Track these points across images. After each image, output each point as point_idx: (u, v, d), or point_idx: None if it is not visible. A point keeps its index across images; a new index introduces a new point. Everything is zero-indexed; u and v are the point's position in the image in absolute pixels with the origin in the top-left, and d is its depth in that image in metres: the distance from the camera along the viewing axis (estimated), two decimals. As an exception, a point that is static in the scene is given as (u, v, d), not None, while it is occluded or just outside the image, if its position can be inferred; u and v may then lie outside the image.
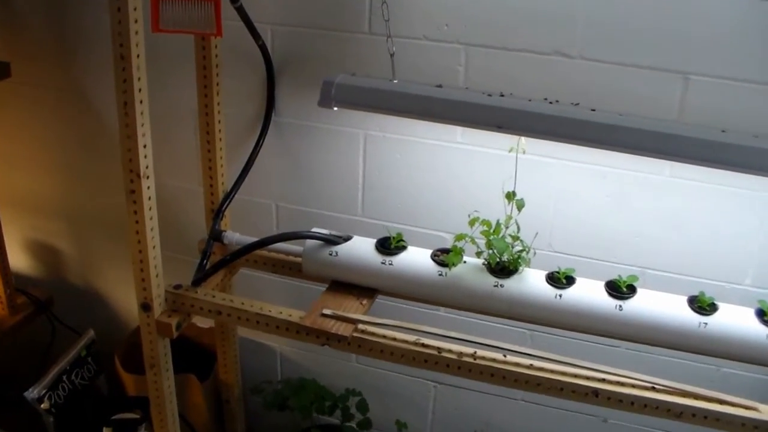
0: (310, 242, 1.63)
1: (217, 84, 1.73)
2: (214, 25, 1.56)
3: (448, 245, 1.87)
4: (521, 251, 1.55)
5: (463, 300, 1.57)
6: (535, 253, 1.55)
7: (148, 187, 1.52)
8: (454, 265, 1.52)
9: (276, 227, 2.06)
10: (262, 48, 1.76)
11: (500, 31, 1.62)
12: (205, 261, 1.76)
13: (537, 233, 1.56)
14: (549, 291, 1.53)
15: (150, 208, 1.54)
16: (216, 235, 1.80)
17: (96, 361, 2.21)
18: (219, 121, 1.77)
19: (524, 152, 1.49)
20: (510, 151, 1.48)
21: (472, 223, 1.52)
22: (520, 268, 1.55)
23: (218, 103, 1.76)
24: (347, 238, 1.65)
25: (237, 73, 1.86)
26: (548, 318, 1.54)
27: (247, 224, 2.05)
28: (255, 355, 2.30)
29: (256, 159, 1.88)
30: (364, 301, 1.60)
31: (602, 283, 1.54)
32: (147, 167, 1.51)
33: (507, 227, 1.55)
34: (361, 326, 1.53)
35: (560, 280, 1.54)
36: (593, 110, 1.42)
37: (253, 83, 1.88)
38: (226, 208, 1.83)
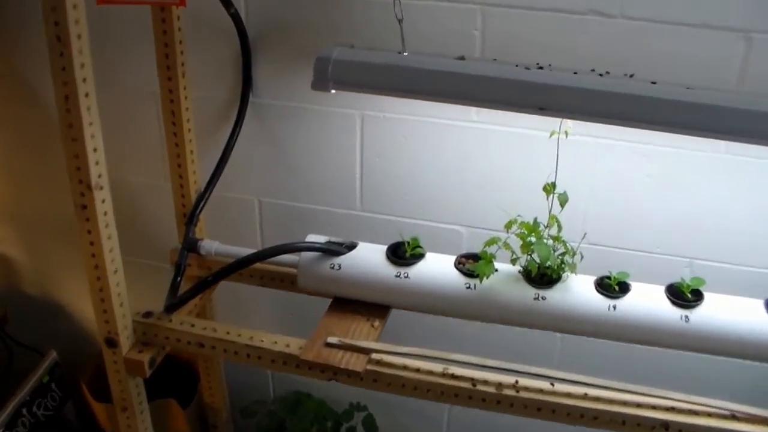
0: (306, 253, 1.35)
1: (182, 64, 1.43)
2: (175, -8, 1.26)
3: (465, 240, 1.62)
4: (563, 254, 1.28)
5: (496, 315, 1.31)
6: (582, 257, 1.27)
7: (104, 200, 1.23)
8: (485, 276, 1.24)
9: (260, 227, 1.77)
10: (235, 17, 1.46)
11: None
12: (179, 278, 1.47)
13: (585, 233, 1.28)
14: (600, 302, 1.27)
15: (107, 225, 1.25)
16: (190, 245, 1.51)
17: (60, 387, 1.92)
18: (186, 108, 1.47)
19: (567, 136, 1.21)
20: (551, 135, 1.20)
21: (508, 225, 1.25)
22: (564, 274, 1.28)
23: (185, 87, 1.45)
24: (351, 246, 1.36)
25: (206, 48, 1.56)
26: (600, 332, 1.28)
27: (226, 225, 1.76)
28: (243, 370, 2.02)
29: (233, 149, 1.59)
30: (376, 323, 1.33)
31: (662, 289, 1.28)
32: (100, 176, 1.21)
33: (548, 227, 1.28)
34: (375, 355, 1.26)
35: (612, 287, 1.28)
36: (654, 83, 1.14)
37: (225, 60, 1.58)
38: (200, 211, 1.54)
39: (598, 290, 1.28)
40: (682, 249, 1.54)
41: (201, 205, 1.53)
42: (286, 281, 1.50)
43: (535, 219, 1.27)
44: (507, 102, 1.11)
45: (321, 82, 1.16)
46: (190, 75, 1.48)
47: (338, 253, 1.34)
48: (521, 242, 1.27)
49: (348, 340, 1.27)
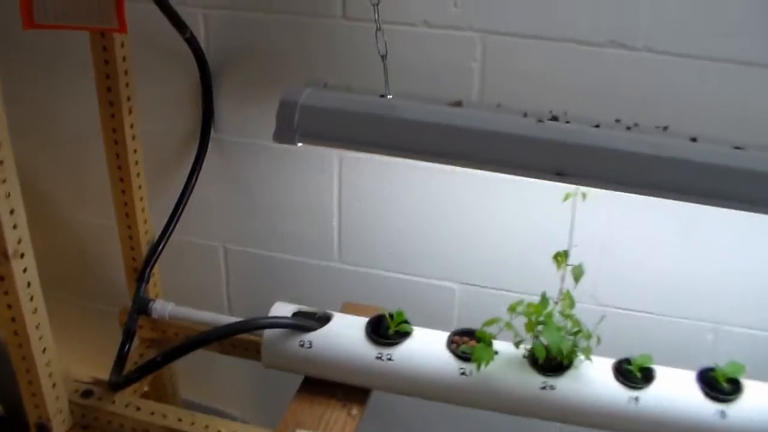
0: (268, 332, 1.14)
1: (129, 98, 1.21)
2: (114, 17, 1.06)
3: (458, 298, 1.41)
4: (576, 333, 1.07)
5: (496, 404, 1.11)
6: (599, 342, 1.07)
7: (25, 269, 1.01)
8: (484, 363, 1.03)
9: (226, 277, 1.56)
10: (191, 42, 1.24)
11: (531, 12, 1.12)
12: (127, 346, 1.25)
13: (603, 317, 1.07)
14: (620, 393, 1.07)
15: (32, 298, 1.04)
16: (141, 306, 1.30)
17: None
18: (135, 150, 1.26)
19: (584, 198, 1.00)
20: (566, 199, 0.99)
21: (512, 308, 1.04)
22: (576, 359, 1.08)
23: (131, 125, 1.24)
24: (324, 318, 1.16)
25: (161, 78, 1.35)
26: (619, 427, 1.08)
27: (187, 274, 1.55)
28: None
29: (193, 190, 1.38)
30: (354, 410, 1.12)
31: (693, 377, 1.08)
32: (20, 241, 0.99)
33: (558, 303, 1.07)
34: (352, 455, 1.06)
35: (633, 374, 1.08)
36: (694, 139, 0.93)
37: (184, 91, 1.36)
38: (152, 267, 1.32)
39: (617, 377, 1.08)
40: (706, 313, 1.34)
41: (153, 261, 1.32)
42: (251, 350, 1.28)
43: (544, 296, 1.07)
44: (516, 165, 0.90)
45: (285, 133, 0.95)
46: (143, 107, 1.27)
47: (308, 329, 1.13)
48: (526, 320, 1.06)
49: (320, 438, 1.06)
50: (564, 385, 1.07)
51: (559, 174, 0.88)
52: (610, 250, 1.28)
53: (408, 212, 1.38)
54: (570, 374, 1.08)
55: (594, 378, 1.08)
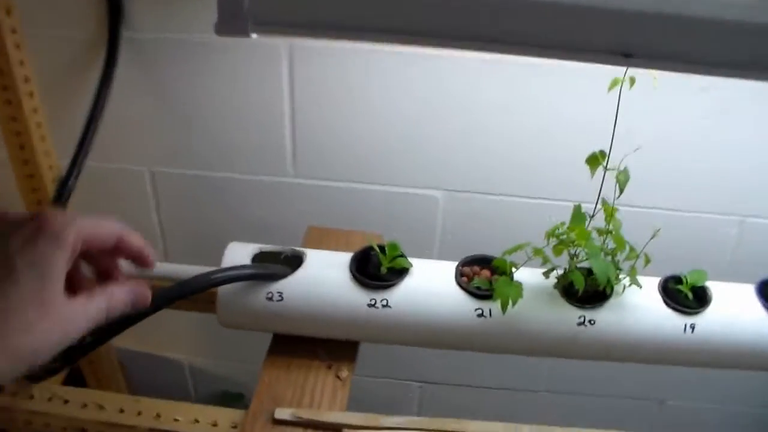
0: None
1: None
2: None
3: (442, 208, 1.19)
4: (613, 252, 0.85)
5: (520, 348, 0.89)
6: (648, 262, 0.85)
7: None
8: (511, 302, 0.81)
9: (156, 208, 1.28)
10: None
11: None
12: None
13: (658, 230, 0.84)
14: (672, 321, 0.87)
15: None
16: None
17: None
18: (21, 62, 0.94)
19: (632, 85, 0.76)
20: (611, 88, 0.75)
21: (551, 234, 0.80)
22: (618, 285, 0.86)
23: (13, 29, 0.91)
24: (294, 260, 0.90)
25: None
26: (672, 359, 0.89)
27: (109, 207, 1.25)
28: (151, 377, 1.57)
29: (104, 105, 1.07)
30: (343, 372, 0.89)
31: (752, 290, 0.89)
32: None
33: (593, 217, 0.85)
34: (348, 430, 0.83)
35: (684, 295, 0.87)
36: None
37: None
38: (63, 207, 1.03)
39: (665, 301, 0.87)
40: (736, 205, 1.15)
41: (63, 200, 1.03)
42: (202, 301, 1.02)
43: (578, 210, 0.84)
44: (563, 46, 0.64)
45: (232, 22, 0.65)
46: (28, 6, 0.94)
47: (277, 276, 0.87)
48: (556, 243, 0.83)
49: (307, 415, 0.82)
50: (606, 318, 0.86)
51: (627, 55, 0.62)
52: (632, 139, 1.05)
53: (378, 110, 1.11)
54: (612, 304, 0.87)
55: (640, 305, 0.88)
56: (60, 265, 0.51)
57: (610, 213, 0.82)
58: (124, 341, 1.50)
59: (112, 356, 1.32)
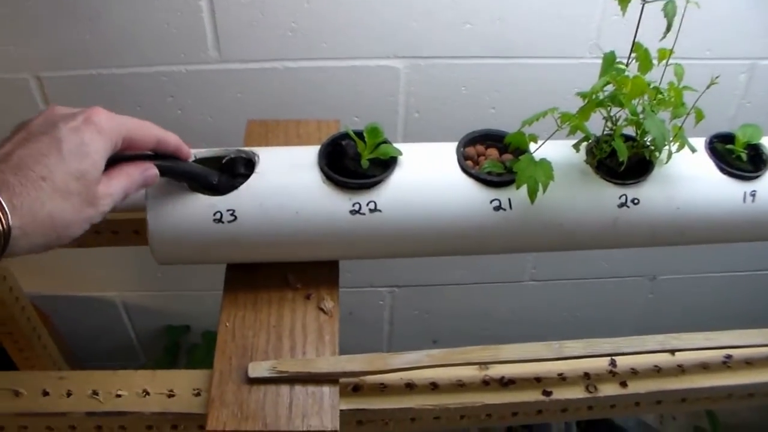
0: (157, 194, 0.65)
1: None
2: None
3: (404, 81, 0.98)
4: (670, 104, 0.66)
5: (548, 243, 0.71)
6: (699, 119, 0.67)
7: None
8: (541, 188, 0.61)
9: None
10: None
11: None
12: None
13: (717, 77, 0.64)
14: (729, 190, 0.70)
15: None
16: None
17: None
18: None
19: None
20: None
21: (595, 92, 0.60)
22: (662, 155, 0.68)
23: None
24: (243, 163, 0.68)
25: None
26: (732, 235, 0.72)
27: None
28: (81, 322, 1.34)
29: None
30: (328, 302, 0.69)
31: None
32: None
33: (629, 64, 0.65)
34: (347, 380, 0.64)
35: (737, 157, 0.70)
36: None
37: None
38: None
39: (721, 169, 0.69)
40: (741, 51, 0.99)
41: None
42: (125, 231, 0.80)
43: (610, 57, 0.63)
44: None
45: None
46: None
47: (223, 188, 0.65)
48: (584, 107, 0.63)
49: (291, 367, 0.62)
50: (651, 194, 0.68)
51: None
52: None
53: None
54: (656, 177, 0.69)
55: (689, 175, 0.70)
56: (101, 153, 0.54)
57: (665, 56, 0.61)
58: (40, 285, 1.26)
59: (27, 309, 1.07)
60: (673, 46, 0.61)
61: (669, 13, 0.61)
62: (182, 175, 0.64)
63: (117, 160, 0.57)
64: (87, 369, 0.65)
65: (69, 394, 0.63)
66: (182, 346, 1.39)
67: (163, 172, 0.61)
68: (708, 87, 0.64)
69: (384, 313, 1.39)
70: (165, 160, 0.62)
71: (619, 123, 0.65)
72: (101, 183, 0.55)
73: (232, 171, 0.68)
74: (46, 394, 0.63)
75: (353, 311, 1.35)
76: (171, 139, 0.61)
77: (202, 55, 0.95)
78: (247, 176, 0.67)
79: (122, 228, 0.79)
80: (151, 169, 0.60)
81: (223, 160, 0.69)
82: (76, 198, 0.52)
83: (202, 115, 1.01)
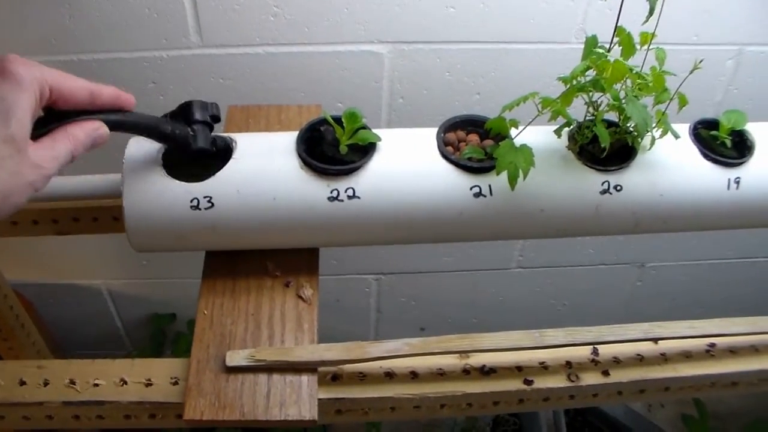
0: (132, 179, 0.64)
1: None
2: None
3: (388, 67, 0.97)
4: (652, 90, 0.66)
5: (528, 230, 0.70)
6: (683, 104, 0.66)
7: None
8: (521, 174, 0.61)
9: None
10: None
11: None
12: None
13: (700, 62, 0.63)
14: (714, 176, 0.69)
15: None
16: None
17: None
18: None
19: None
20: None
21: (575, 76, 0.59)
22: (643, 141, 0.67)
23: None
24: (220, 151, 0.67)
25: None
26: (715, 223, 0.72)
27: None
28: (66, 310, 1.33)
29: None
30: (307, 289, 0.68)
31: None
32: None
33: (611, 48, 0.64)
34: (325, 369, 0.63)
35: (721, 143, 0.69)
36: None
37: None
38: None
39: (705, 155, 0.69)
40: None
41: None
42: (104, 218, 0.79)
43: (591, 40, 0.62)
44: None
45: None
46: None
47: (198, 174, 0.64)
48: (566, 92, 0.62)
49: (268, 355, 0.61)
50: (634, 180, 0.68)
51: None
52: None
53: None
54: (639, 164, 0.68)
55: (672, 162, 0.69)
56: (24, 107, 0.49)
57: (647, 40, 0.60)
58: (24, 273, 1.24)
59: (10, 297, 1.06)
60: (654, 30, 0.60)
61: (652, -2, 0.60)
62: (133, 127, 0.60)
63: (60, 119, 0.53)
64: (71, 358, 0.64)
65: (46, 384, 0.63)
66: (168, 334, 1.38)
67: (113, 127, 0.57)
68: (691, 72, 0.62)
69: (371, 300, 1.38)
70: (111, 114, 0.57)
71: (600, 108, 0.64)
72: (43, 145, 0.51)
73: (188, 118, 0.64)
74: (23, 383, 0.63)
75: (340, 299, 1.35)
76: (106, 89, 0.56)
77: (184, 40, 0.94)
78: (224, 161, 0.65)
79: (101, 215, 0.78)
80: (100, 128, 0.55)
81: (207, 145, 0.67)
82: (9, 162, 0.48)
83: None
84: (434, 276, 1.32)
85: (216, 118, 0.64)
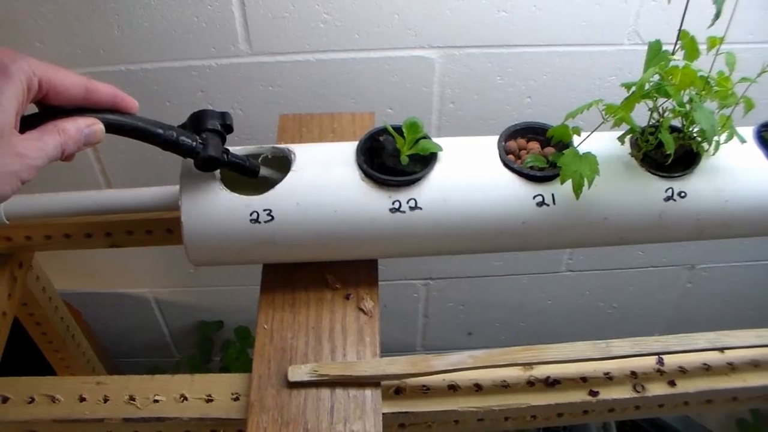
0: (188, 194, 0.64)
1: None
2: None
3: (439, 72, 0.96)
4: (718, 95, 0.64)
5: (591, 238, 0.69)
6: (749, 108, 0.64)
7: None
8: (587, 183, 0.59)
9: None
10: None
11: None
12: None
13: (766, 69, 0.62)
14: (784, 180, 0.66)
15: None
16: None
17: None
18: None
19: None
20: None
21: (641, 84, 0.58)
22: (709, 146, 0.66)
23: None
24: (278, 161, 0.67)
25: None
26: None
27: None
28: (113, 319, 1.34)
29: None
30: (368, 302, 0.67)
31: None
32: None
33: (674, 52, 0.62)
34: (389, 383, 0.63)
35: (791, 145, 0.67)
36: None
37: None
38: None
39: (771, 155, 0.67)
40: None
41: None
42: (159, 230, 0.79)
43: (656, 45, 0.61)
44: None
45: None
46: None
47: (260, 185, 0.64)
48: (629, 98, 0.61)
49: (331, 370, 0.61)
50: (698, 187, 0.66)
51: None
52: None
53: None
54: (703, 169, 0.66)
55: (737, 166, 0.67)
56: (8, 95, 0.47)
57: (715, 44, 0.59)
58: (71, 283, 1.26)
59: (60, 309, 1.07)
60: (724, 34, 0.58)
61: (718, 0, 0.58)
62: (133, 131, 0.57)
63: (56, 114, 0.51)
64: (120, 366, 0.64)
65: (106, 400, 0.63)
66: (215, 342, 1.38)
67: (111, 129, 0.55)
68: (759, 75, 0.61)
69: (419, 305, 1.37)
70: (110, 114, 0.55)
71: (665, 114, 0.62)
72: (30, 136, 0.50)
73: (198, 127, 0.62)
74: (83, 400, 0.63)
75: (387, 304, 1.34)
76: (103, 87, 0.54)
77: (233, 48, 0.94)
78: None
79: (155, 227, 0.78)
80: (94, 125, 0.53)
81: (260, 158, 0.68)
82: None
83: (233, 109, 1.00)
84: (482, 280, 1.31)
85: (229, 128, 0.63)
